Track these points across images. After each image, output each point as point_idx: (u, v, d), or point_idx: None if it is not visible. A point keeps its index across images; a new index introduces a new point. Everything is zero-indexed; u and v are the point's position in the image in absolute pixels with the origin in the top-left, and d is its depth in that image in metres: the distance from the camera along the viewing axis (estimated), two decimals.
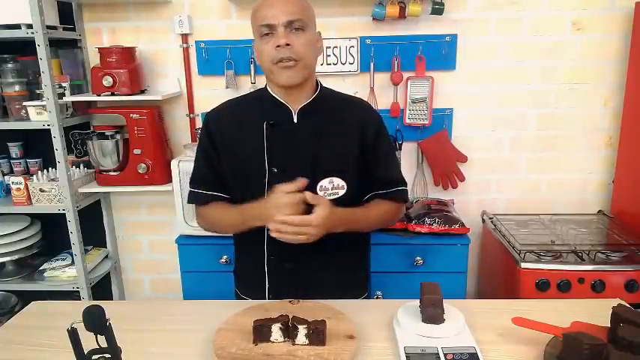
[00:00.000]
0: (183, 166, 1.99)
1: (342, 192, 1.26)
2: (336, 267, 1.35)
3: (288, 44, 1.17)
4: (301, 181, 1.13)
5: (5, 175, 2.31)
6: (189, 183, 1.38)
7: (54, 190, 2.14)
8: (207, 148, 1.33)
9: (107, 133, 2.15)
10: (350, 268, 1.40)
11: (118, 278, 2.51)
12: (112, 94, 2.08)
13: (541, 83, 2.20)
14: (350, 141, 1.29)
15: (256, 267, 1.35)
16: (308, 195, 1.13)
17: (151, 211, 2.45)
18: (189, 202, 1.38)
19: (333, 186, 1.24)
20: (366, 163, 1.31)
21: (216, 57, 2.21)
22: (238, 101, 1.40)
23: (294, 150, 1.26)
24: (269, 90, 1.29)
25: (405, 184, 1.38)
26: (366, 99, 2.13)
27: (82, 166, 2.27)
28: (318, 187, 1.24)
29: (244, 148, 1.29)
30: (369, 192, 1.34)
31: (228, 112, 1.35)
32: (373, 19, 2.12)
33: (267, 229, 1.27)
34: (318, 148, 1.26)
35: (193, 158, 1.96)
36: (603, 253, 1.84)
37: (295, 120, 1.28)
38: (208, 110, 1.38)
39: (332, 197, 1.25)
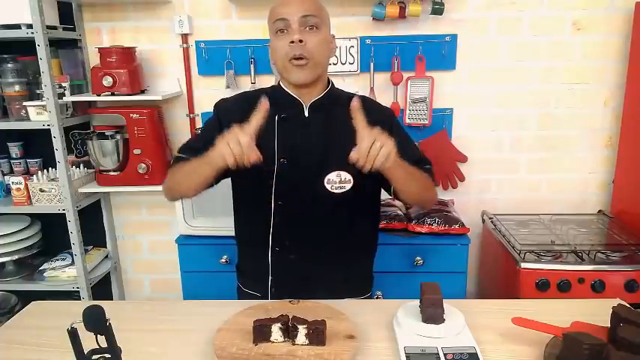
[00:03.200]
0: None
1: (348, 186, 1.28)
2: (341, 262, 1.35)
3: (301, 40, 1.19)
4: (265, 103, 1.10)
5: (5, 175, 2.31)
6: (178, 150, 1.35)
7: (54, 190, 2.14)
8: (211, 129, 1.31)
9: (107, 133, 2.16)
10: (354, 265, 1.40)
11: (118, 278, 2.51)
12: (112, 94, 2.08)
13: (541, 83, 2.20)
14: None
15: (260, 259, 1.35)
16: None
17: (150, 211, 2.45)
18: (170, 166, 1.34)
19: (340, 180, 1.26)
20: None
21: (216, 57, 2.21)
22: (251, 94, 1.41)
23: (303, 143, 1.28)
24: (282, 86, 1.31)
25: (430, 163, 1.37)
26: None
27: (82, 166, 2.27)
28: (325, 180, 1.26)
29: (254, 139, 1.29)
30: (379, 188, 1.35)
31: (241, 102, 1.35)
32: (373, 19, 2.11)
33: (273, 221, 1.29)
34: (327, 141, 1.28)
35: None
36: (603, 253, 1.84)
37: (306, 114, 1.30)
38: (210, 105, 1.38)
39: (339, 191, 1.27)
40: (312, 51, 1.22)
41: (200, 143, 1.29)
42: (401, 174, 1.18)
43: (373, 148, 1.05)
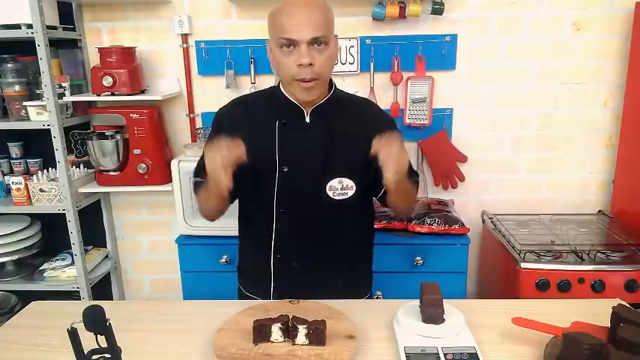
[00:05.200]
0: (183, 166, 1.99)
1: (351, 192, 1.27)
2: (342, 267, 1.35)
3: (311, 63, 1.14)
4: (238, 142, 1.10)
5: (5, 175, 2.31)
6: (193, 174, 1.35)
7: (54, 190, 2.14)
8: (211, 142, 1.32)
9: (107, 133, 2.16)
10: (355, 269, 1.40)
11: (118, 278, 2.51)
12: (112, 94, 2.08)
13: (541, 83, 2.20)
14: (360, 143, 1.28)
15: (262, 265, 1.34)
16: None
17: (150, 211, 2.45)
18: (194, 191, 1.35)
19: (342, 186, 1.25)
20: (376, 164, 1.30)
21: (216, 57, 2.21)
22: (251, 98, 1.40)
23: (305, 149, 1.26)
24: (282, 90, 1.28)
25: (418, 176, 1.39)
26: None
27: (82, 166, 2.27)
28: (327, 187, 1.25)
29: (256, 146, 1.27)
30: (378, 191, 1.35)
31: (240, 108, 1.34)
32: (373, 19, 2.11)
33: (275, 229, 1.29)
34: (328, 148, 1.26)
35: (193, 158, 1.99)
36: (603, 253, 1.84)
37: (308, 120, 1.27)
38: (213, 109, 1.37)
39: (341, 197, 1.26)
40: (321, 70, 1.17)
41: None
42: (401, 188, 1.18)
43: (397, 151, 1.07)
